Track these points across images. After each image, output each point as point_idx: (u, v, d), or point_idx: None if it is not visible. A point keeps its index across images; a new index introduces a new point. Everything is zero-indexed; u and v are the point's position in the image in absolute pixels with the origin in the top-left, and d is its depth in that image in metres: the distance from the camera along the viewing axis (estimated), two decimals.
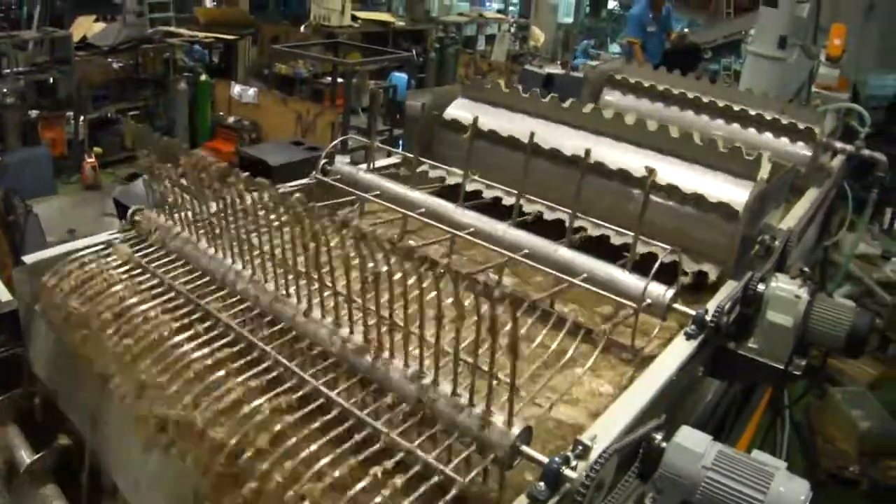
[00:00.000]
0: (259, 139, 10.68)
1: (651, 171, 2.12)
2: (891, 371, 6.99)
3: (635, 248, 2.19)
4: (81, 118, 10.34)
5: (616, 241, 2.39)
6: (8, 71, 9.57)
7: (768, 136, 3.61)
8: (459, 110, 2.97)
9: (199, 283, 1.95)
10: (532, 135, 2.45)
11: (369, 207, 2.74)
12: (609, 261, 2.17)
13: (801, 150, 3.54)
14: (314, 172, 2.74)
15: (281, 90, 11.84)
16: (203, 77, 11.38)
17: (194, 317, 1.82)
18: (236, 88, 10.97)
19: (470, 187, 2.65)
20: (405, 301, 1.52)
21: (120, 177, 10.31)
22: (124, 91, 11.08)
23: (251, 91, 10.82)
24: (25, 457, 1.98)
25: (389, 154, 3.15)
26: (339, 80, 10.82)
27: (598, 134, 2.69)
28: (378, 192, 2.62)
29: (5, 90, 9.33)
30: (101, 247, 2.15)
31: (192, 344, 1.70)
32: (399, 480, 1.38)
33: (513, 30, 18.05)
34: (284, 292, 1.81)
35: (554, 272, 2.15)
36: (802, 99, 5.98)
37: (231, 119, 10.95)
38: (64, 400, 2.08)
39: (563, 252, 2.18)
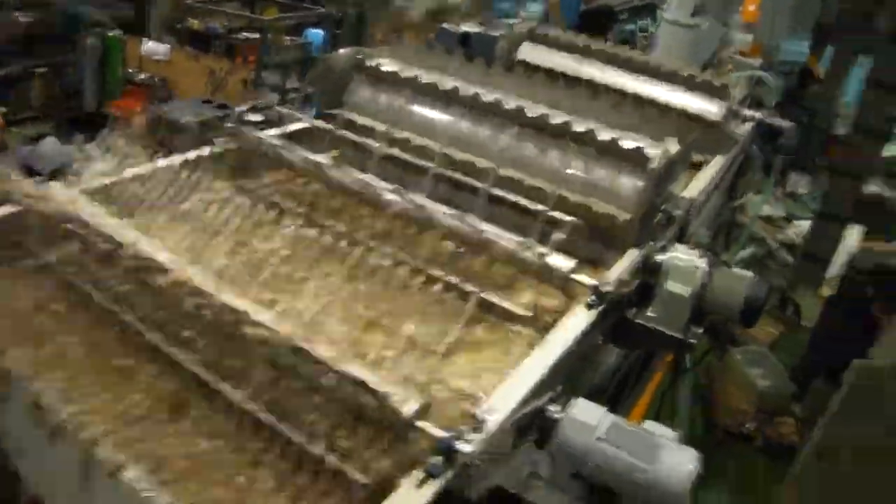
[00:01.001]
0: (170, 97, 10.42)
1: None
2: (790, 331, 7.24)
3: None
4: None
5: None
6: None
7: (680, 100, 3.67)
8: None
9: None
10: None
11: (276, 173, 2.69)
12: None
13: (711, 117, 3.61)
14: (226, 130, 2.66)
15: (195, 46, 11.52)
16: (113, 33, 11.02)
17: None
18: (148, 44, 10.66)
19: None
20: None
21: (27, 136, 9.97)
22: (30, 48, 10.66)
23: (163, 48, 10.53)
24: None
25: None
26: (255, 35, 10.55)
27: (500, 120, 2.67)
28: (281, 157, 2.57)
29: None
30: None
31: None
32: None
33: None
34: None
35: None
36: (715, 65, 6.12)
37: (142, 76, 10.65)
38: None
39: (468, 219, 2.19)
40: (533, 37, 4.08)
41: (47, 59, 10.80)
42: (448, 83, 2.69)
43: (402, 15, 15.48)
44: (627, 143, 2.38)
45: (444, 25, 11.47)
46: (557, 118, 2.50)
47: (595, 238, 2.38)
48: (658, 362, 4.02)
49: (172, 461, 1.54)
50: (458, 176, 2.41)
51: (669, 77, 3.75)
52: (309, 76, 3.04)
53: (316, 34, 11.49)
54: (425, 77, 2.74)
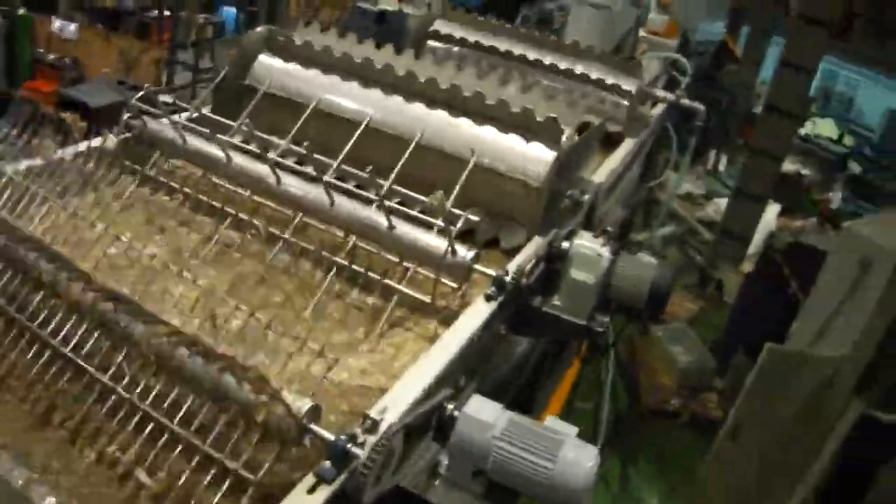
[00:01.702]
0: (82, 78, 10.13)
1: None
2: (711, 307, 7.37)
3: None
4: None
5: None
6: None
7: (589, 88, 3.67)
8: (261, 70, 2.83)
9: None
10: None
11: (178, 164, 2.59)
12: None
13: (620, 100, 3.61)
14: (116, 128, 2.55)
15: (106, 24, 11.23)
16: (21, 11, 10.65)
17: None
18: (57, 23, 10.33)
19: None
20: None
21: None
22: None
23: (72, 26, 10.22)
24: None
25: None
26: (167, 13, 10.31)
27: (411, 96, 2.60)
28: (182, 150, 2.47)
29: None
30: None
31: None
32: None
33: None
34: None
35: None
36: (629, 45, 6.13)
37: (52, 56, 10.32)
38: None
39: (364, 211, 2.13)
40: (447, 16, 4.01)
41: None
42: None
43: None
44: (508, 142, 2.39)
45: (360, 3, 11.41)
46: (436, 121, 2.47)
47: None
48: (577, 344, 4.03)
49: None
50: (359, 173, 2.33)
51: (583, 54, 3.73)
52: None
53: (229, 12, 11.29)
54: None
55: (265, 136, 2.39)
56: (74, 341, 1.62)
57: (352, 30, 8.52)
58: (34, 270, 1.69)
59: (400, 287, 2.04)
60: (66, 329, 1.63)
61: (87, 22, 10.81)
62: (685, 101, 4.28)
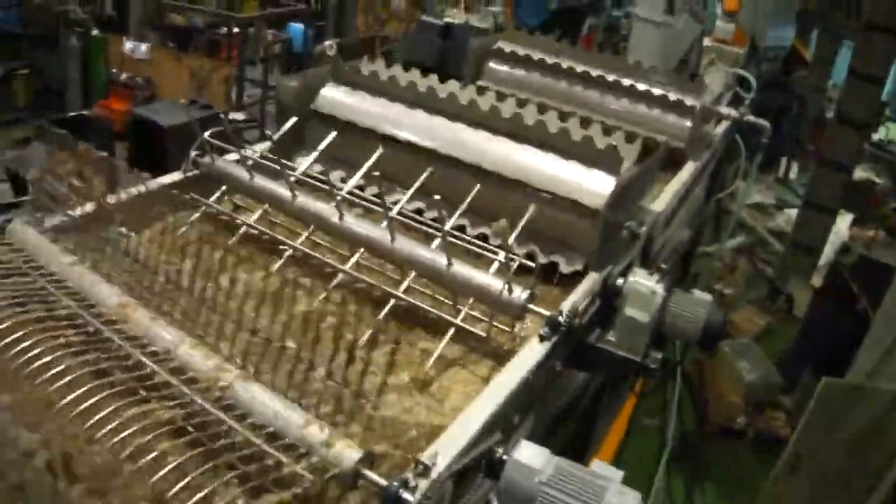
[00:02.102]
0: (153, 96, 10.41)
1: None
2: (777, 321, 7.26)
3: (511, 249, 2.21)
4: None
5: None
6: None
7: (649, 109, 3.66)
8: (329, 98, 2.91)
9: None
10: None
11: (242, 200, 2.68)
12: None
13: (682, 122, 3.59)
14: (185, 164, 2.64)
15: (177, 42, 11.53)
16: (95, 32, 10.98)
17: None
18: (128, 44, 10.64)
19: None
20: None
21: (11, 139, 9.94)
22: (13, 49, 10.63)
23: (143, 47, 10.51)
24: None
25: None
26: (236, 30, 10.53)
27: (472, 124, 2.67)
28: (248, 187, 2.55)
29: None
30: None
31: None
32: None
33: None
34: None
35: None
36: (693, 61, 6.08)
37: (124, 76, 10.62)
38: None
39: (423, 250, 2.17)
40: (498, 53, 4.05)
41: (30, 60, 10.78)
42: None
43: (384, 5, 15.47)
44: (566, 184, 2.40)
45: (425, 17, 11.47)
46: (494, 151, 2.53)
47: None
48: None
49: None
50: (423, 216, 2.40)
51: (643, 74, 3.73)
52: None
53: (296, 28, 11.48)
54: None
55: (321, 178, 2.45)
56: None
57: (417, 44, 8.59)
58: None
59: (457, 321, 2.07)
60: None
61: (159, 41, 11.09)
62: (750, 118, 4.26)
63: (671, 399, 5.51)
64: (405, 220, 2.33)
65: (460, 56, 4.38)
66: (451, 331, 2.05)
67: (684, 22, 5.27)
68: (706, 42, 6.80)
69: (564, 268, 2.40)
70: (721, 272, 7.64)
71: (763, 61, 10.64)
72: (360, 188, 2.53)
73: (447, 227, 2.09)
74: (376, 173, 2.21)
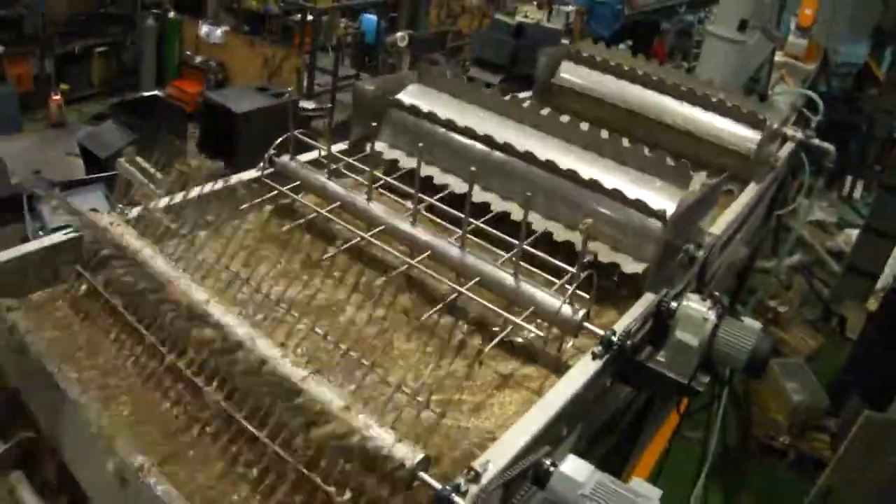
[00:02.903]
0: (226, 80, 10.62)
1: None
2: (832, 343, 7.21)
3: (582, 257, 2.29)
4: (47, 54, 10.22)
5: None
6: None
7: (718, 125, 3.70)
8: (412, 96, 3.01)
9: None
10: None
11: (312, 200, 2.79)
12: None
13: (747, 145, 3.62)
14: (262, 164, 2.75)
15: (251, 26, 11.72)
16: (171, 14, 11.26)
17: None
18: (204, 28, 10.87)
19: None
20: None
21: (87, 114, 10.25)
22: (91, 27, 10.94)
23: (218, 31, 10.73)
24: None
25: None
26: (309, 17, 10.70)
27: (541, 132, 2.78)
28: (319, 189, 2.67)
29: None
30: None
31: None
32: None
33: None
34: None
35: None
36: (763, 78, 6.08)
37: (198, 59, 10.86)
38: (27, 396, 2.15)
39: (488, 268, 2.27)
40: (573, 56, 4.10)
41: (107, 38, 11.07)
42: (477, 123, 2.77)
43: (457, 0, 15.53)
44: (633, 193, 2.46)
45: (498, 15, 11.52)
46: (568, 159, 2.59)
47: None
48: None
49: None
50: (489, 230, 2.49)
51: (711, 105, 3.76)
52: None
53: (370, 20, 11.58)
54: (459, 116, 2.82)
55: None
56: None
57: (490, 42, 8.65)
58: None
59: (522, 324, 2.16)
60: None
61: (233, 25, 11.30)
62: (815, 141, 4.26)
63: (716, 414, 5.53)
64: (479, 223, 2.43)
65: (531, 55, 4.43)
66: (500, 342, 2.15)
67: (756, 39, 5.28)
68: (778, 57, 6.78)
69: (628, 267, 2.47)
70: (776, 289, 7.61)
71: (834, 77, 10.54)
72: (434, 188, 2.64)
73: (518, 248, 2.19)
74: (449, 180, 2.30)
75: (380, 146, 2.89)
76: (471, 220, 2.33)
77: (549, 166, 2.59)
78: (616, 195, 2.48)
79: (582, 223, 2.13)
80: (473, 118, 2.83)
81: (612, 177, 2.54)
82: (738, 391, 6.28)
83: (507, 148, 2.68)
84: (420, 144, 2.43)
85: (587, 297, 2.15)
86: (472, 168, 2.27)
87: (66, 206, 2.21)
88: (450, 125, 2.81)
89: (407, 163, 2.85)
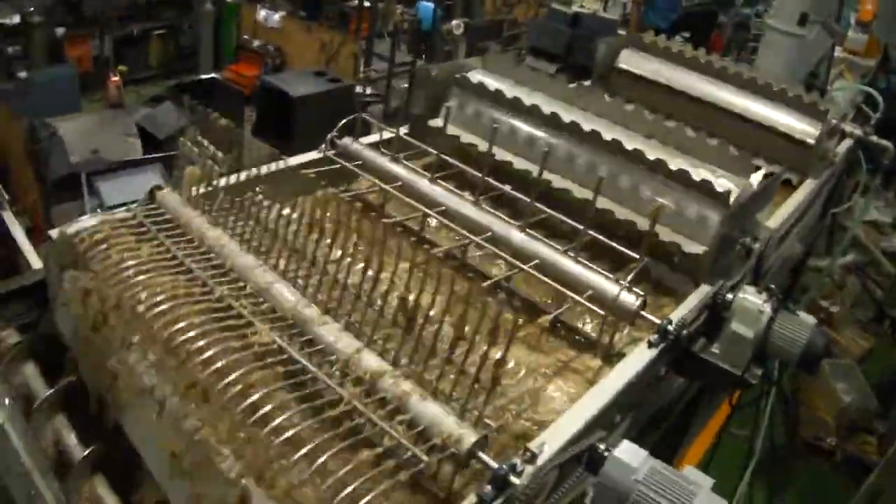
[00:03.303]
0: (283, 65, 10.71)
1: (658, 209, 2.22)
2: (882, 345, 7.12)
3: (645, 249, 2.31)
4: (107, 36, 10.39)
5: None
6: None
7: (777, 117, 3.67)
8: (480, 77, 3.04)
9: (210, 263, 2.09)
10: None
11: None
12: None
13: (807, 136, 3.59)
14: (323, 146, 2.80)
15: (308, 11, 11.81)
16: None
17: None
18: (262, 12, 10.97)
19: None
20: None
21: (144, 96, 10.41)
22: (150, 10, 11.11)
23: (276, 16, 10.81)
24: (41, 391, 2.11)
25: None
26: (367, 3, 10.72)
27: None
28: (378, 171, 2.71)
29: (32, 8, 9.43)
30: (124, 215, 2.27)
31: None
32: (367, 453, 1.59)
33: None
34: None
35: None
36: (823, 73, 6.00)
37: (256, 43, 10.96)
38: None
39: (550, 254, 2.30)
40: (632, 42, 4.09)
41: (165, 21, 11.23)
42: (542, 106, 2.78)
43: None
44: (700, 175, 2.45)
45: (554, 5, 11.48)
46: (632, 144, 2.59)
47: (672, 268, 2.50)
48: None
49: None
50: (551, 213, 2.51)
51: (771, 95, 3.73)
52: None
53: (426, 7, 11.59)
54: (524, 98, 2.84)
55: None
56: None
57: (546, 31, 8.58)
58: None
59: (583, 302, 2.19)
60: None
61: (290, 10, 11.39)
62: (873, 138, 4.21)
63: (763, 412, 5.49)
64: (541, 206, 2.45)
65: (587, 45, 4.42)
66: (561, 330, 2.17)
67: (816, 34, 5.22)
68: (837, 52, 6.68)
69: (688, 248, 2.46)
70: (829, 288, 7.52)
71: (894, 73, 10.34)
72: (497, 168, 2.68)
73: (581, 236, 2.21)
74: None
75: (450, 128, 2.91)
76: (536, 204, 2.36)
77: (614, 146, 2.59)
78: (680, 176, 2.48)
79: (654, 205, 2.14)
80: (538, 101, 2.84)
81: (676, 161, 2.55)
82: (786, 390, 6.22)
83: (572, 127, 2.69)
84: (494, 125, 2.46)
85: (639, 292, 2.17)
86: (545, 150, 2.29)
87: None
88: (516, 105, 2.83)
89: (470, 139, 2.88)
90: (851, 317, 7.60)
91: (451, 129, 2.88)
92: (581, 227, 2.31)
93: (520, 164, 2.75)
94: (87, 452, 1.90)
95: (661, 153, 2.57)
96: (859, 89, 5.38)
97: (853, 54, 7.06)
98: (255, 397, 1.67)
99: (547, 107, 2.78)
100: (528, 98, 2.85)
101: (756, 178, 2.59)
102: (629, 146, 2.56)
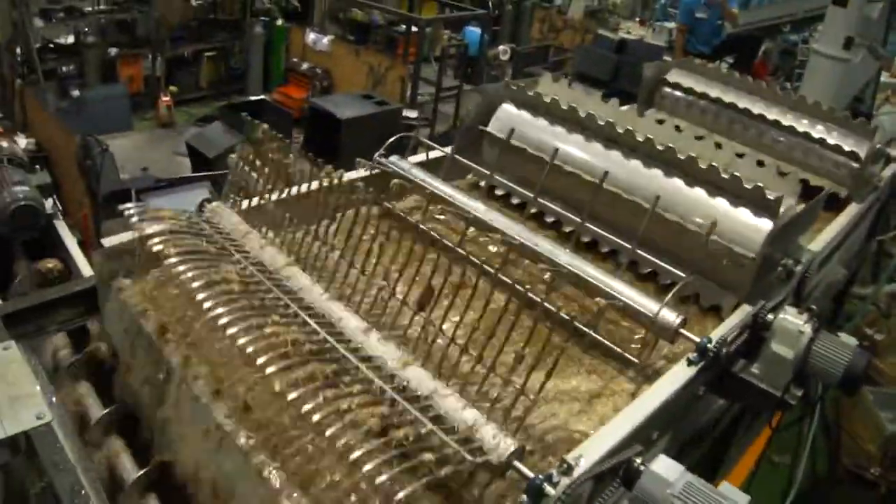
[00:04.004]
0: (331, 87, 10.86)
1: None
2: None
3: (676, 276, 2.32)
4: (159, 57, 10.62)
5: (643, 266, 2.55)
6: (90, 9, 9.87)
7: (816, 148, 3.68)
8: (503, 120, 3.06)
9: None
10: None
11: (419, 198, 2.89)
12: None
13: (849, 164, 3.59)
14: (374, 159, 2.86)
15: (356, 35, 11.99)
16: (279, 22, 11.58)
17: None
18: (311, 35, 11.14)
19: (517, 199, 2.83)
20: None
21: (194, 116, 10.61)
22: (201, 32, 11.34)
23: (325, 39, 10.98)
24: (96, 410, 2.16)
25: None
26: (414, 28, 10.88)
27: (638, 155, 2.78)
28: (425, 189, 2.76)
29: (87, 28, 9.68)
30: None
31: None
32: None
33: None
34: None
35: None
36: (868, 98, 5.97)
37: (304, 66, 11.13)
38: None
39: (591, 271, 2.33)
40: (679, 66, 4.13)
41: (216, 43, 11.45)
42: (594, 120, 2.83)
43: (561, 13, 15.60)
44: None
45: (601, 32, 11.56)
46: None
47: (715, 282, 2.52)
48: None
49: None
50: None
51: (812, 111, 3.74)
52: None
53: (473, 32, 11.74)
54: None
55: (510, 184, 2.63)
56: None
57: (592, 57, 8.69)
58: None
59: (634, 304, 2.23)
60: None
61: (339, 34, 11.56)
62: None
63: (805, 439, 5.43)
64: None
65: (634, 71, 4.46)
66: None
67: (861, 58, 5.20)
68: (884, 77, 6.64)
69: (704, 302, 2.51)
70: (874, 316, 7.41)
71: None
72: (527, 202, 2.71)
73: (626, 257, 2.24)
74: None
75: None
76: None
77: (667, 156, 2.63)
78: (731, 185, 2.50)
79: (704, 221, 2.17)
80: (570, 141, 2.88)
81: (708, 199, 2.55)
82: (829, 418, 6.13)
83: (626, 140, 2.73)
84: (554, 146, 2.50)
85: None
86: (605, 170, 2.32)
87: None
88: (571, 117, 2.88)
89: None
90: None
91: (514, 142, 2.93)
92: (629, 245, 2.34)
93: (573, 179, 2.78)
94: (140, 474, 1.96)
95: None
96: None
97: None
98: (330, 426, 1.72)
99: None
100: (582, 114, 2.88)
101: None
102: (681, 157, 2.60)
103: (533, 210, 2.79)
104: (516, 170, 2.89)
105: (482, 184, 2.95)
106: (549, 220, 2.81)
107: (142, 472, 1.96)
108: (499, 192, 2.97)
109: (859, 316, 6.32)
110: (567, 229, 2.73)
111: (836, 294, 5.01)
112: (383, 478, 1.58)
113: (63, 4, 9.81)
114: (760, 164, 2.81)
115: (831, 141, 3.63)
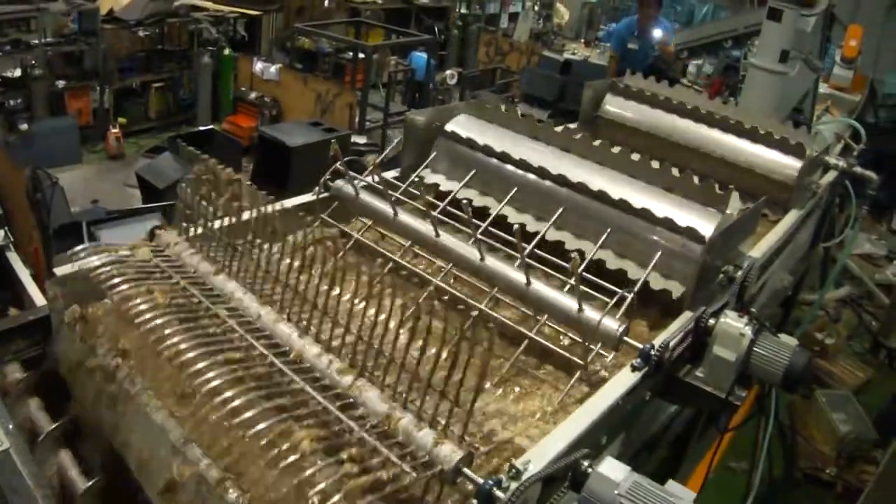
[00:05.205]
0: (280, 116, 10.86)
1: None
2: (879, 376, 7.16)
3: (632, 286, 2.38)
4: (107, 89, 10.56)
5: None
6: (36, 42, 9.78)
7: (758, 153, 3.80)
8: (460, 126, 3.15)
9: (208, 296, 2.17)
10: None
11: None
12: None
13: (789, 170, 3.71)
14: (317, 188, 2.89)
15: (304, 63, 12.02)
16: (227, 51, 11.58)
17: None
18: (258, 65, 11.14)
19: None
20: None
21: (143, 147, 10.56)
22: (149, 63, 11.30)
23: (273, 68, 10.99)
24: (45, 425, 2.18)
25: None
26: (361, 55, 10.95)
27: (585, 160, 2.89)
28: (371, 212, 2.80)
29: (34, 61, 9.59)
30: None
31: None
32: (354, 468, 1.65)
33: (537, 7, 18.10)
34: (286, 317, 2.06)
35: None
36: (807, 109, 6.12)
37: (253, 95, 11.13)
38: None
39: (533, 285, 2.38)
40: (615, 89, 4.24)
41: (164, 74, 11.43)
42: (520, 151, 2.91)
43: (507, 37, 15.78)
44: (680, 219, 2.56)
45: (546, 53, 11.73)
46: (616, 186, 2.71)
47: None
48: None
49: None
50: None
51: (749, 133, 3.86)
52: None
53: (420, 58, 11.83)
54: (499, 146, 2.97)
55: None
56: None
57: (538, 78, 8.87)
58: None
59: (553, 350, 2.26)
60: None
61: (286, 63, 11.59)
62: (857, 169, 4.31)
63: (761, 445, 5.51)
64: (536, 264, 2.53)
65: (578, 91, 4.56)
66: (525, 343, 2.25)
67: (798, 70, 5.33)
68: (823, 89, 6.80)
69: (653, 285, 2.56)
70: (823, 321, 7.57)
71: (882, 108, 10.50)
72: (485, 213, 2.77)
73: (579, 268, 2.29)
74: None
75: (429, 175, 3.04)
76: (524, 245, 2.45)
77: (598, 195, 2.71)
78: (665, 222, 2.59)
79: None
80: (523, 148, 2.95)
81: (658, 203, 2.64)
82: (783, 423, 6.24)
83: (559, 179, 2.81)
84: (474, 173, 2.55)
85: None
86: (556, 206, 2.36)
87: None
88: (498, 155, 2.96)
89: (451, 187, 2.98)
90: (848, 349, 7.65)
91: (430, 178, 3.02)
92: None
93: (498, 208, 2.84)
94: (89, 484, 1.98)
95: (643, 193, 2.68)
96: (843, 123, 5.49)
97: (839, 90, 7.19)
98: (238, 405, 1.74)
99: (529, 153, 2.90)
100: (513, 146, 2.96)
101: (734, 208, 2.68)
102: (615, 193, 2.67)
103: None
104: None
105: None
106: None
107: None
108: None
109: (807, 321, 6.45)
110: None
111: (784, 300, 5.13)
112: (336, 498, 1.60)
113: (9, 37, 9.72)
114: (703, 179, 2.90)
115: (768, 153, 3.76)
